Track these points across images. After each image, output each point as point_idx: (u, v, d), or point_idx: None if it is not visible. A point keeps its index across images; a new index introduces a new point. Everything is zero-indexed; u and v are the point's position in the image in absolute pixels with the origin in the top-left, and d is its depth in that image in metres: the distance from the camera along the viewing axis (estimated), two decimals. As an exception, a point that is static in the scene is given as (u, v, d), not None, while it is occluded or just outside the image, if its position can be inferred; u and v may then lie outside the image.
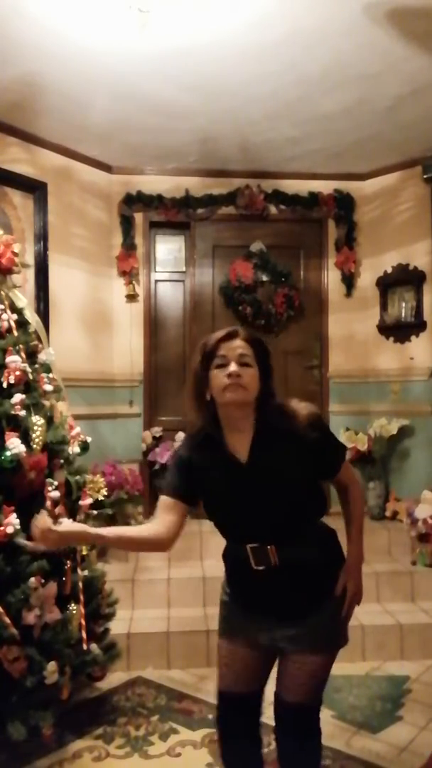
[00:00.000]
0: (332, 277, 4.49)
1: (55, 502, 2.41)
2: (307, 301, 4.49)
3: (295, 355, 4.44)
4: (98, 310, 4.24)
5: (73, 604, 2.40)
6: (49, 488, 2.40)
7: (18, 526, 2.21)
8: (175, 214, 4.34)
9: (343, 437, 4.25)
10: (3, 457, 2.23)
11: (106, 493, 3.43)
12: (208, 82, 3.18)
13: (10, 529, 2.18)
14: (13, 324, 2.53)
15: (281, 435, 1.59)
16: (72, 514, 2.53)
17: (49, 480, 2.43)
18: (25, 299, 2.75)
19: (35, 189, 3.81)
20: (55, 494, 2.41)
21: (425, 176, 4.07)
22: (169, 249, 4.53)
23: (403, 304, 4.28)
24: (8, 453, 2.24)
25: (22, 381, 2.42)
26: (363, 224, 4.48)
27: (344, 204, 4.42)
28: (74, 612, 2.38)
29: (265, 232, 4.43)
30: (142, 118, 3.58)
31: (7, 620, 2.14)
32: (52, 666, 2.20)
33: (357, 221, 4.46)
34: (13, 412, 2.33)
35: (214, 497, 1.62)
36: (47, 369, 2.63)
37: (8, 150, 3.66)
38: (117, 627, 2.81)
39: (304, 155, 4.11)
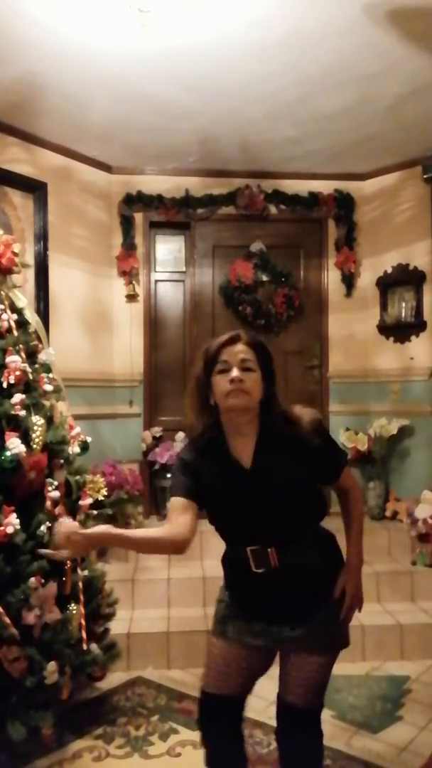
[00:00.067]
0: (332, 277, 4.49)
1: (55, 502, 2.41)
2: (307, 301, 4.49)
3: (295, 355, 4.44)
4: (98, 310, 4.24)
5: (73, 604, 2.40)
6: (49, 488, 2.41)
7: (18, 526, 2.21)
8: (175, 214, 4.34)
9: (343, 437, 4.26)
10: (3, 457, 2.23)
11: (106, 493, 3.42)
12: (208, 82, 3.18)
13: (10, 529, 2.18)
14: (13, 324, 2.53)
15: (285, 440, 1.60)
16: (72, 514, 2.53)
17: (49, 480, 2.43)
18: (25, 299, 2.75)
19: (35, 189, 3.81)
20: (55, 494, 2.41)
21: (425, 176, 4.07)
22: (169, 249, 4.53)
23: (403, 304, 4.28)
24: (8, 453, 2.24)
25: (22, 381, 2.42)
26: (363, 224, 4.48)
27: (344, 204, 4.42)
28: (74, 612, 2.38)
29: (265, 232, 4.43)
30: (142, 118, 3.58)
31: (7, 620, 2.14)
32: (52, 666, 2.20)
33: (357, 221, 4.46)
34: (13, 412, 2.33)
35: (216, 501, 1.62)
36: (47, 369, 2.63)
37: (8, 150, 3.66)
38: (117, 627, 2.81)
39: (304, 155, 4.11)
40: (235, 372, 1.55)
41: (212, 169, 4.32)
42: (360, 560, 1.72)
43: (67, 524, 1.40)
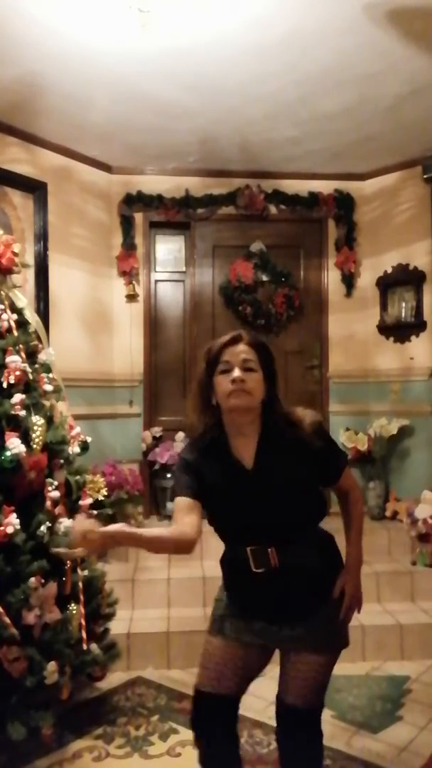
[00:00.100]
0: (332, 277, 4.49)
1: (55, 502, 2.41)
2: (307, 301, 4.49)
3: (295, 355, 4.44)
4: (98, 310, 4.24)
5: (73, 604, 2.40)
6: (49, 488, 2.41)
7: (18, 526, 2.21)
8: (175, 214, 4.34)
9: (343, 437, 4.26)
10: (3, 457, 2.23)
11: (106, 493, 3.42)
12: (208, 82, 3.18)
13: (10, 529, 2.18)
14: (13, 324, 2.53)
15: (286, 441, 1.60)
16: (72, 514, 2.53)
17: (49, 480, 2.43)
18: (25, 299, 2.75)
19: (35, 189, 3.81)
20: (55, 494, 2.41)
21: (425, 176, 4.07)
22: (169, 249, 4.53)
23: (403, 304, 4.28)
24: (8, 453, 2.24)
25: (22, 381, 2.42)
26: (363, 224, 4.48)
27: (344, 204, 4.42)
28: (74, 612, 2.38)
29: (265, 232, 4.43)
30: (142, 118, 3.58)
31: (7, 620, 2.14)
32: (52, 666, 2.20)
33: (357, 221, 4.46)
34: (13, 412, 2.33)
35: (217, 501, 1.62)
36: (47, 369, 2.63)
37: (8, 150, 3.66)
38: (117, 627, 2.81)
39: (304, 155, 4.11)
40: (236, 372, 1.56)
41: (212, 169, 4.33)
42: (359, 560, 1.72)
43: (83, 523, 1.36)
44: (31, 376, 2.49)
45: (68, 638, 2.33)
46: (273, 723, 1.74)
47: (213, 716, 1.68)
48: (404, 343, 4.32)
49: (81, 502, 2.60)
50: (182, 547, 1.54)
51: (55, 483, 2.44)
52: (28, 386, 2.47)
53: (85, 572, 2.52)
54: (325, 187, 4.42)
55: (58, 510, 2.42)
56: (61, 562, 2.39)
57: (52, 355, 2.70)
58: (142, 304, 4.38)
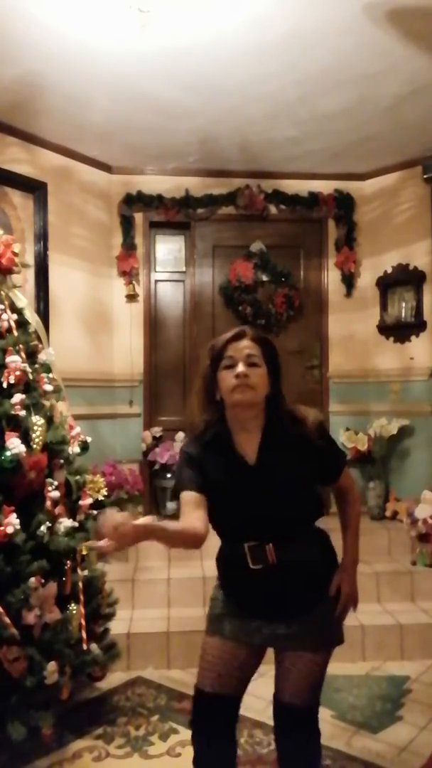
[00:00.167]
0: (332, 277, 4.49)
1: (55, 502, 2.41)
2: (307, 301, 4.49)
3: (295, 355, 4.44)
4: (98, 310, 4.24)
5: (73, 604, 2.40)
6: (49, 488, 2.41)
7: (18, 526, 2.21)
8: (175, 214, 4.34)
9: (343, 437, 4.26)
10: (3, 457, 2.23)
11: (106, 493, 3.41)
12: (208, 82, 3.18)
13: (10, 529, 2.18)
14: (13, 324, 2.53)
15: (289, 438, 1.61)
16: (72, 514, 2.53)
17: (49, 480, 2.43)
18: (25, 299, 2.75)
19: (35, 189, 3.81)
20: (55, 494, 2.42)
21: (425, 176, 4.07)
22: (169, 249, 4.53)
23: (403, 304, 4.28)
24: (8, 453, 2.24)
25: (22, 381, 2.42)
26: (363, 224, 4.48)
27: (344, 204, 4.42)
28: (74, 612, 2.38)
29: (265, 232, 4.43)
30: (142, 118, 3.58)
31: (7, 620, 2.14)
32: (52, 666, 2.20)
33: (357, 221, 4.46)
34: (13, 412, 2.33)
35: (219, 495, 1.62)
36: (47, 369, 2.63)
37: (8, 150, 3.66)
38: (117, 627, 2.82)
39: (304, 155, 4.11)
40: (240, 367, 1.57)
41: (212, 169, 4.32)
42: (356, 559, 1.73)
43: (115, 516, 1.32)
44: (31, 376, 2.49)
45: (68, 638, 2.33)
46: (272, 723, 1.74)
47: (214, 716, 1.68)
48: (404, 343, 4.32)
49: (81, 502, 2.60)
50: (196, 542, 1.53)
51: (55, 483, 2.44)
52: (28, 386, 2.47)
53: (85, 572, 2.52)
54: (325, 187, 4.42)
55: (58, 510, 2.42)
56: (61, 561, 2.39)
57: (52, 355, 2.70)
58: (142, 304, 4.38)
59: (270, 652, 1.72)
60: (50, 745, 2.33)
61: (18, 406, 2.35)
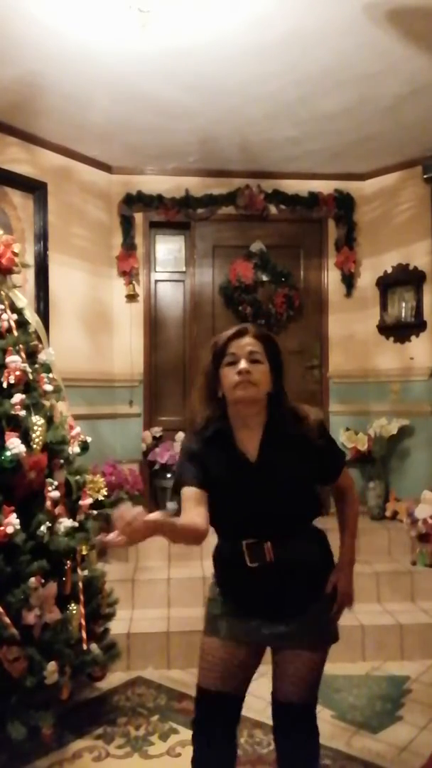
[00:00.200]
0: (332, 277, 4.49)
1: (55, 502, 2.41)
2: (307, 301, 4.49)
3: (295, 355, 4.44)
4: (98, 310, 4.24)
5: (73, 604, 2.40)
6: (49, 488, 2.41)
7: (18, 526, 2.21)
8: (175, 214, 4.34)
9: (343, 437, 4.26)
10: (3, 457, 2.23)
11: (106, 493, 3.42)
12: (208, 82, 3.18)
13: (10, 529, 2.18)
14: (13, 324, 2.53)
15: (291, 436, 1.61)
16: (72, 514, 2.53)
17: (49, 480, 2.43)
18: (25, 299, 2.75)
19: (35, 189, 3.81)
20: (55, 494, 2.41)
21: (425, 176, 4.07)
22: (169, 249, 4.53)
23: (403, 304, 4.28)
24: (8, 453, 2.24)
25: (22, 381, 2.42)
26: (363, 224, 4.48)
27: (344, 204, 4.42)
28: (74, 612, 2.38)
29: (265, 232, 4.43)
30: (142, 118, 3.58)
31: (7, 620, 2.14)
32: (52, 666, 2.20)
33: (357, 221, 4.46)
34: (13, 412, 2.33)
35: (219, 492, 1.61)
36: (47, 369, 2.63)
37: (8, 150, 3.66)
38: (117, 627, 2.81)
39: (304, 155, 4.11)
40: (242, 364, 1.57)
41: (212, 169, 4.33)
42: (352, 559, 1.74)
43: (130, 510, 1.30)
44: (31, 376, 2.49)
45: (68, 638, 2.33)
46: (272, 723, 1.74)
47: (217, 716, 1.68)
48: (404, 343, 4.32)
49: (81, 502, 2.60)
50: (197, 538, 1.53)
51: (55, 483, 2.44)
52: (28, 386, 2.47)
53: (85, 572, 2.52)
54: (325, 187, 4.42)
55: (58, 510, 2.42)
56: (61, 561, 2.39)
57: (52, 355, 2.70)
58: (142, 304, 4.38)
59: (269, 651, 1.73)
60: (50, 745, 2.33)
61: (18, 406, 2.35)
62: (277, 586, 1.60)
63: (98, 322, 4.22)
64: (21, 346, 2.49)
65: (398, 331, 4.33)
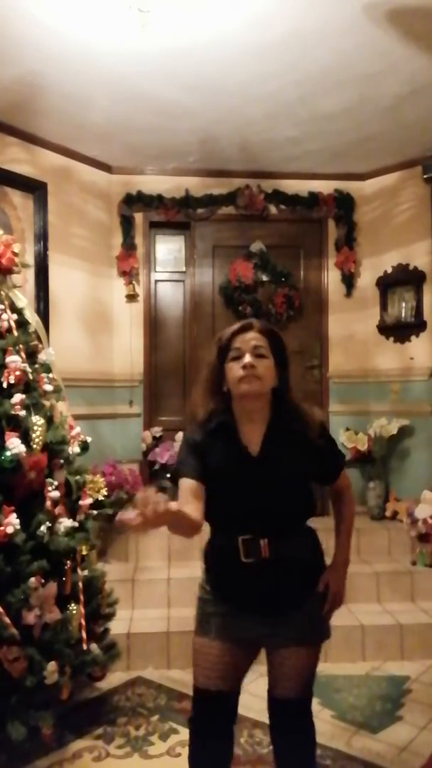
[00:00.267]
0: (332, 277, 4.49)
1: (55, 502, 2.41)
2: (307, 301, 4.49)
3: (295, 355, 4.34)
4: (98, 310, 4.24)
5: (73, 604, 2.40)
6: (49, 488, 2.41)
7: (18, 526, 2.21)
8: (175, 214, 4.34)
9: (343, 437, 4.26)
10: (3, 457, 2.23)
11: (106, 493, 3.42)
12: (208, 82, 3.18)
13: (10, 529, 2.18)
14: (13, 324, 2.53)
15: (292, 433, 1.62)
16: (72, 514, 2.53)
17: (49, 480, 2.43)
18: (25, 299, 2.75)
19: (35, 189, 3.81)
20: (55, 494, 2.42)
21: (425, 176, 4.07)
22: (169, 249, 4.53)
23: (403, 304, 4.28)
24: (8, 453, 2.24)
25: (22, 381, 2.42)
26: (363, 224, 4.48)
27: (344, 204, 4.42)
28: (74, 612, 2.38)
29: (265, 232, 4.43)
30: (142, 118, 3.58)
31: (7, 620, 2.14)
32: (52, 666, 2.20)
33: (357, 221, 4.46)
34: (13, 412, 2.33)
35: (218, 484, 1.61)
36: (47, 369, 2.63)
37: (8, 150, 3.66)
38: (117, 627, 2.82)
39: (304, 155, 4.11)
40: (247, 358, 1.58)
41: (212, 169, 4.32)
42: (347, 560, 1.75)
43: (151, 495, 1.31)
44: (31, 376, 2.49)
45: (68, 638, 2.33)
46: (268, 721, 1.74)
47: (215, 714, 1.68)
48: (404, 343, 4.32)
49: (81, 502, 2.60)
50: (193, 531, 1.54)
51: (55, 483, 2.44)
52: (28, 386, 2.47)
53: (85, 572, 2.52)
54: (325, 187, 4.42)
55: (58, 510, 2.42)
56: (61, 561, 2.39)
57: (52, 355, 2.70)
58: (142, 304, 4.38)
59: (262, 651, 1.73)
60: (50, 745, 2.33)
61: (18, 406, 2.35)
62: (271, 582, 1.60)
63: (98, 322, 4.22)
64: (21, 346, 2.50)
65: (398, 331, 4.33)
